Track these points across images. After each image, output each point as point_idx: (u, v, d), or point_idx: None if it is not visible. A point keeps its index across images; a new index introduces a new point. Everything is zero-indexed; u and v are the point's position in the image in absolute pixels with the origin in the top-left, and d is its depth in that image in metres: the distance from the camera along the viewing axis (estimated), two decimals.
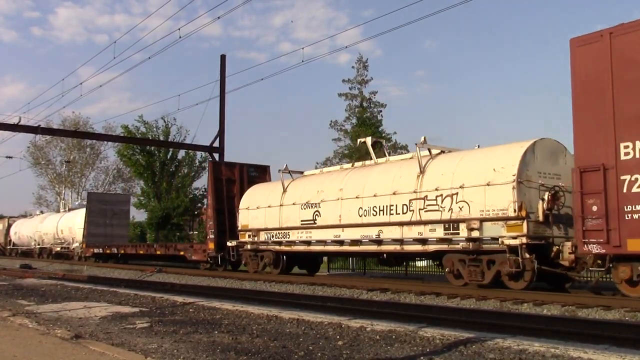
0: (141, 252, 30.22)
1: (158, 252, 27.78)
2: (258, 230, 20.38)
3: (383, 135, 54.73)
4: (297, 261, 20.98)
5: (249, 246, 20.87)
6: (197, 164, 51.02)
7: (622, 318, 9.51)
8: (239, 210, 21.62)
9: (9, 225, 52.62)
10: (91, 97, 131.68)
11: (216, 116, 33.56)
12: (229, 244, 21.73)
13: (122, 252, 31.63)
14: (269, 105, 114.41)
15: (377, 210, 15.76)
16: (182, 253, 25.24)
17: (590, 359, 5.66)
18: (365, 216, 16.14)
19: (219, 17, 56.21)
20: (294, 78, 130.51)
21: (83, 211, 36.94)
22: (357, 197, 16.45)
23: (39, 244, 43.62)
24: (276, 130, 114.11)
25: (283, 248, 19.38)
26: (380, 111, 56.04)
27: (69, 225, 38.90)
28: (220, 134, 33.30)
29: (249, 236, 20.85)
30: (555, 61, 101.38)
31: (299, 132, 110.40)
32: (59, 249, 40.20)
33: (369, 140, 19.04)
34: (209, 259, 23.04)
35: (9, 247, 52.05)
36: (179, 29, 24.28)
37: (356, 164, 19.06)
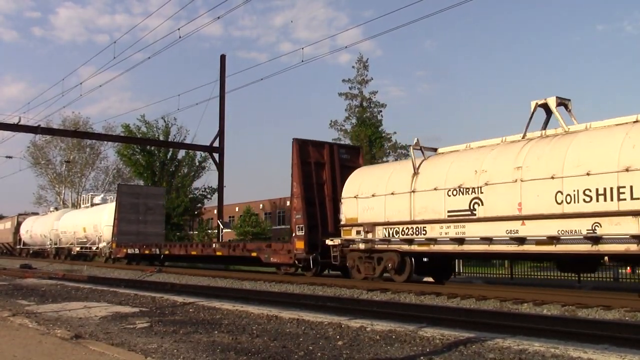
0: (193, 252, 24.78)
1: (218, 253, 22.79)
2: (373, 225, 16.04)
3: (383, 135, 54.80)
4: (424, 265, 16.39)
5: (360, 245, 16.29)
6: (197, 163, 51.09)
7: (622, 318, 9.51)
8: (342, 200, 17.31)
9: (19, 224, 48.28)
10: (92, 97, 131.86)
11: (216, 116, 33.61)
12: (329, 242, 17.33)
13: (167, 252, 26.40)
14: (269, 105, 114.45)
15: (593, 194, 11.52)
16: (254, 254, 20.41)
17: (590, 358, 5.66)
18: (569, 203, 11.88)
19: (218, 17, 56.16)
20: (295, 78, 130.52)
21: (110, 206, 33.04)
22: (552, 178, 12.18)
23: (55, 244, 39.83)
24: (276, 130, 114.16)
25: (415, 248, 15.02)
26: (380, 111, 56.03)
27: (93, 222, 34.68)
28: (220, 134, 33.35)
29: (359, 232, 16.45)
30: (556, 61, 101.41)
31: (299, 132, 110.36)
32: (78, 249, 36.60)
33: (552, 101, 13.76)
34: (295, 261, 18.44)
35: (18, 247, 48.07)
36: (178, 29, 24.34)
37: (535, 133, 13.84)
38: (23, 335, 7.43)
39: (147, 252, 27.37)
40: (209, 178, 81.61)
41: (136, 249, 28.01)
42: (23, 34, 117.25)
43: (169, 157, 50.77)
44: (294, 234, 18.54)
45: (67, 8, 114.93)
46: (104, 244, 32.71)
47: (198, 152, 47.89)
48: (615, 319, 9.39)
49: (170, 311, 10.20)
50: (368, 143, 53.01)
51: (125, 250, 28.84)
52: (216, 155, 33.63)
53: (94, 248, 34.93)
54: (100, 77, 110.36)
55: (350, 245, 16.72)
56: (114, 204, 32.70)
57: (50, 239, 40.41)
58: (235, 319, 8.92)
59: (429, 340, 6.80)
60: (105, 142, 53.55)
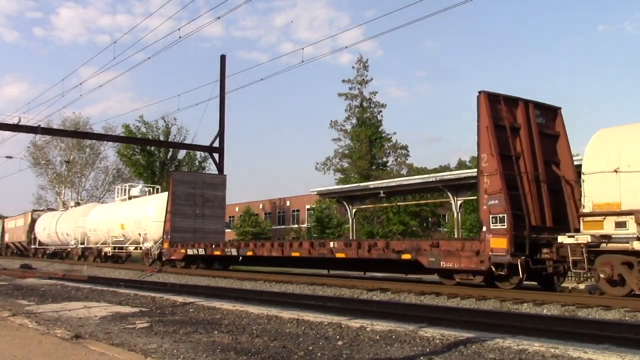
0: (295, 254, 18.06)
1: (340, 255, 16.58)
2: None
3: (383, 135, 54.83)
4: None
5: (635, 244, 10.77)
6: (197, 163, 51.15)
7: (622, 318, 9.51)
8: (585, 177, 12.01)
9: (33, 221, 42.86)
10: (93, 97, 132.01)
11: (216, 116, 33.60)
12: (566, 239, 11.87)
13: (250, 253, 20.13)
14: (269, 105, 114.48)
15: None
16: (407, 256, 14.60)
17: (590, 359, 5.66)
18: None
19: (219, 17, 56.20)
20: (295, 78, 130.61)
21: (158, 198, 28.30)
22: None
23: (81, 243, 34.61)
24: (276, 130, 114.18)
25: None
26: (380, 111, 56.09)
27: (135, 217, 28.91)
28: (220, 134, 33.32)
29: (621, 225, 11.28)
30: (556, 61, 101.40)
31: (299, 132, 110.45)
32: (112, 249, 31.64)
33: None
34: (491, 267, 12.75)
35: (33, 247, 42.42)
36: (179, 29, 24.32)
37: None
38: (23, 335, 7.43)
39: (217, 252, 21.72)
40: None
41: (199, 249, 22.49)
42: (24, 35, 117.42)
43: (169, 157, 50.85)
44: (484, 228, 13.06)
45: (68, 8, 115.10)
46: (151, 243, 27.11)
47: (198, 152, 47.95)
48: (615, 319, 9.39)
49: (170, 311, 10.20)
50: (368, 143, 53.05)
51: (183, 251, 23.43)
52: (216, 156, 33.59)
53: (131, 248, 30.21)
54: (101, 77, 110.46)
55: (605, 244, 11.37)
56: (162, 195, 28.16)
57: (75, 238, 35.29)
58: (235, 319, 8.92)
59: (429, 340, 6.80)
60: (105, 142, 53.60)
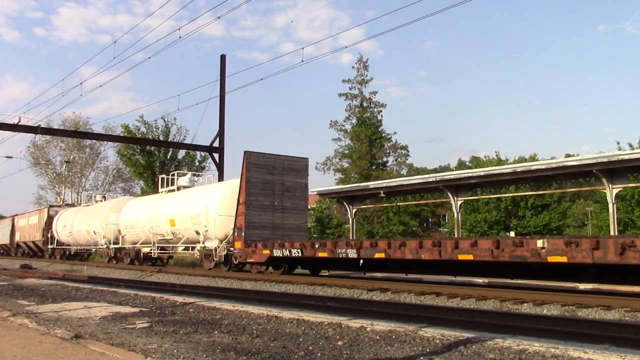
0: (465, 257, 12.82)
1: (554, 260, 11.26)
2: None
3: (383, 135, 54.85)
4: None
5: None
6: (197, 163, 51.15)
7: (622, 318, 9.51)
8: None
9: (50, 218, 38.46)
10: (93, 97, 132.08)
11: (216, 116, 33.65)
12: None
13: (381, 256, 14.80)
14: (269, 105, 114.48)
15: None
16: None
17: (590, 359, 5.66)
18: None
19: (219, 17, 56.20)
20: (296, 78, 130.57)
21: (223, 187, 23.14)
22: None
23: (114, 243, 29.62)
24: (276, 130, 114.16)
25: None
26: (380, 111, 56.11)
27: (192, 211, 23.27)
28: (220, 134, 33.37)
29: None
30: (556, 61, 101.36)
31: (300, 132, 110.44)
32: (154, 249, 26.37)
33: None
34: None
35: (50, 247, 37.76)
36: (179, 29, 24.33)
37: None
38: (23, 335, 7.43)
39: (321, 254, 16.67)
40: (209, 178, 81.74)
41: (292, 250, 17.51)
42: (25, 35, 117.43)
43: (169, 157, 50.85)
44: None
45: (69, 8, 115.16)
46: (215, 242, 21.94)
47: (198, 152, 47.96)
48: (616, 319, 9.39)
49: (170, 311, 10.20)
50: (368, 143, 53.06)
51: (266, 252, 18.67)
52: (216, 155, 33.64)
53: (181, 249, 25.79)
54: (101, 77, 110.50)
55: None
56: (228, 184, 23.27)
57: (105, 237, 30.45)
58: (235, 319, 8.92)
59: (429, 340, 6.80)
60: (105, 142, 53.60)
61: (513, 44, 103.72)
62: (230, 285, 17.49)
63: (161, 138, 49.66)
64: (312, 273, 20.33)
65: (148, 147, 48.80)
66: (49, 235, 37.72)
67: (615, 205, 20.46)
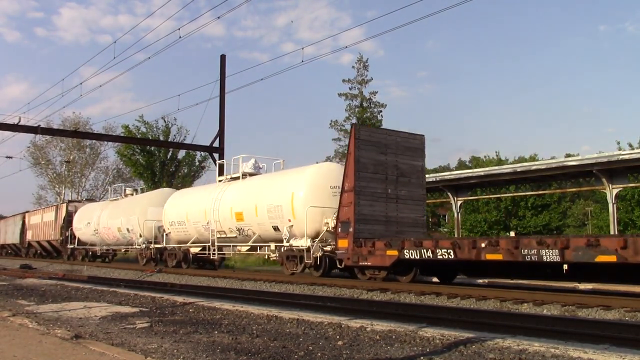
0: None
1: None
2: None
3: None
4: None
5: None
6: (197, 163, 51.20)
7: (622, 318, 9.51)
8: None
9: (69, 214, 34.97)
10: (94, 97, 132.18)
11: (216, 116, 33.67)
12: None
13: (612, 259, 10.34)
14: (270, 105, 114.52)
15: None
16: None
17: (590, 359, 5.66)
18: None
19: (219, 17, 56.21)
20: (296, 78, 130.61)
21: (313, 172, 18.50)
22: None
23: (151, 242, 25.90)
24: (276, 130, 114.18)
25: None
26: (380, 111, 56.17)
27: (270, 202, 19.00)
28: (220, 134, 33.39)
29: None
30: (557, 61, 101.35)
31: (300, 132, 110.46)
32: (213, 249, 21.93)
33: None
34: None
35: (70, 247, 34.32)
36: (179, 29, 24.34)
37: None
38: (23, 335, 7.43)
39: (491, 256, 12.37)
40: (209, 178, 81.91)
41: (441, 250, 13.28)
42: (26, 35, 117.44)
43: (169, 157, 50.88)
44: None
45: (70, 9, 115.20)
46: (305, 241, 17.39)
47: (198, 152, 47.99)
48: (615, 319, 9.39)
49: (170, 311, 10.20)
50: None
51: (392, 253, 14.43)
52: (216, 156, 33.66)
53: (244, 249, 21.57)
54: (101, 77, 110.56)
55: None
56: (318, 168, 18.93)
57: (142, 235, 26.59)
58: (235, 319, 8.92)
59: (429, 340, 6.80)
60: (105, 142, 53.62)
61: (513, 44, 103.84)
62: (230, 285, 17.49)
63: (161, 138, 49.69)
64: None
65: (148, 147, 48.83)
66: (68, 234, 34.45)
67: (615, 205, 20.44)
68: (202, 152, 45.54)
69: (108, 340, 7.09)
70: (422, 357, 5.93)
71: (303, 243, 17.63)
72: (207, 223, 22.06)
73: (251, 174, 22.25)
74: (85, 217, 32.62)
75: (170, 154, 51.03)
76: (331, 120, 53.05)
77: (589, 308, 10.21)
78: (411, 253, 14.13)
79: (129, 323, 8.59)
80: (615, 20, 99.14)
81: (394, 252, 14.51)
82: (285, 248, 18.73)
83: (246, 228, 20.38)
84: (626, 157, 18.81)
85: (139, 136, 48.57)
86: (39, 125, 32.82)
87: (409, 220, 16.80)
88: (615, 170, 19.53)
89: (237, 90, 72.20)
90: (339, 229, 16.00)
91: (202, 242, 22.97)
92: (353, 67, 53.77)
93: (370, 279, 15.65)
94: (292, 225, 18.23)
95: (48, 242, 38.16)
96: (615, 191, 20.16)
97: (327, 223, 17.33)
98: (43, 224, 39.06)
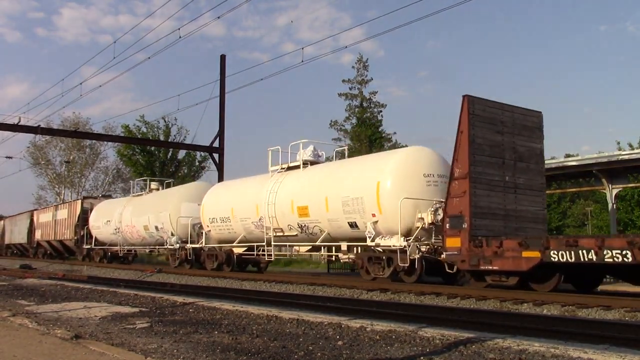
0: None
1: None
2: None
3: (383, 135, 54.88)
4: None
5: None
6: (197, 163, 51.21)
7: (622, 318, 9.51)
8: None
9: (85, 211, 32.43)
10: (94, 98, 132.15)
11: (216, 116, 33.69)
12: None
13: None
14: (270, 105, 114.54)
15: None
16: None
17: (590, 359, 5.65)
18: None
19: (219, 17, 56.18)
20: (297, 78, 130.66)
21: (401, 156, 15.85)
22: None
23: (190, 241, 23.32)
24: (276, 130, 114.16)
25: None
26: (380, 111, 56.12)
27: (352, 192, 15.98)
28: (220, 134, 33.42)
29: None
30: (557, 61, 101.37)
31: (300, 132, 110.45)
32: (268, 249, 19.10)
33: None
34: None
35: (86, 247, 31.89)
36: (179, 29, 24.35)
37: None
38: (23, 335, 7.43)
39: None
40: (209, 178, 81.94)
41: (611, 252, 10.55)
42: (26, 35, 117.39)
43: (169, 157, 50.89)
44: None
45: (71, 9, 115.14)
46: (397, 239, 14.53)
47: (198, 152, 48.01)
48: (615, 319, 9.39)
49: (170, 311, 10.20)
50: (368, 143, 53.09)
51: (532, 254, 11.74)
52: (216, 156, 33.67)
53: (304, 250, 19.00)
54: (101, 77, 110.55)
55: None
56: (407, 152, 16.14)
57: (176, 234, 23.92)
58: (235, 319, 8.92)
59: (429, 340, 6.80)
60: (105, 142, 53.62)
61: (514, 43, 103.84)
62: (230, 285, 17.49)
63: (161, 138, 49.72)
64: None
65: (148, 147, 48.85)
66: (84, 233, 31.82)
67: (615, 205, 20.19)
68: (202, 152, 45.54)
69: (108, 340, 7.09)
70: (422, 357, 5.93)
71: (395, 242, 14.63)
72: (260, 219, 19.29)
73: (312, 162, 19.43)
74: (104, 214, 30.07)
75: (170, 154, 51.05)
76: (331, 120, 53.05)
77: (589, 308, 10.21)
78: (561, 255, 11.29)
79: (129, 323, 8.59)
80: (616, 20, 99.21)
81: (534, 254, 11.64)
82: (365, 248, 16.20)
83: (311, 225, 17.49)
84: (626, 157, 18.76)
85: (139, 136, 48.59)
86: (39, 126, 32.82)
87: (529, 214, 14.13)
88: (615, 170, 19.24)
89: (237, 90, 72.16)
90: (447, 225, 13.29)
91: (251, 242, 20.28)
92: (353, 67, 53.70)
93: (489, 286, 13.07)
94: (376, 221, 15.29)
95: (60, 241, 35.62)
96: (615, 191, 19.82)
97: (422, 218, 14.60)
98: (54, 223, 36.40)
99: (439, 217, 14.21)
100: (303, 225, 17.82)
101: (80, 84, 39.18)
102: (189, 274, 21.24)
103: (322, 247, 18.00)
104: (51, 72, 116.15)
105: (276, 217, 18.73)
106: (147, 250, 28.45)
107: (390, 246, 14.84)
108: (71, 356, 6.06)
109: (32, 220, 41.28)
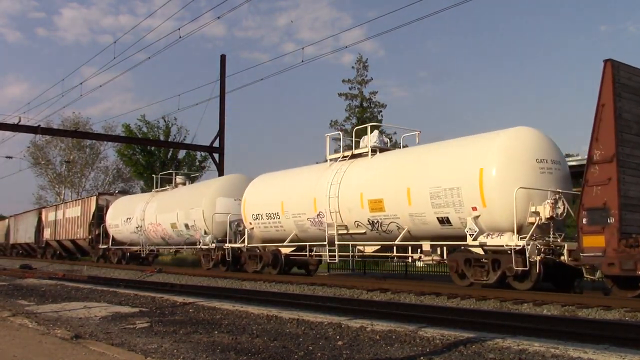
0: None
1: None
2: None
3: (383, 135, 54.90)
4: None
5: None
6: (197, 163, 51.18)
7: (622, 318, 9.51)
8: None
9: (100, 209, 30.21)
10: (94, 98, 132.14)
11: (216, 116, 33.69)
12: None
13: None
14: (270, 105, 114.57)
15: None
16: None
17: (590, 359, 5.65)
18: None
19: (219, 17, 56.20)
20: (297, 78, 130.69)
21: (505, 137, 13.18)
22: None
23: (227, 240, 20.86)
24: (276, 130, 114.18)
25: None
26: (381, 111, 56.11)
27: (446, 181, 13.48)
28: (220, 134, 33.42)
29: None
30: (557, 61, 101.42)
31: (300, 132, 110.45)
32: (331, 249, 16.61)
33: None
34: None
35: (102, 247, 29.66)
36: (179, 29, 24.36)
37: None
38: (23, 335, 7.43)
39: None
40: (209, 178, 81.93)
41: None
42: (27, 35, 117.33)
43: (169, 157, 50.86)
44: None
45: (72, 9, 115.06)
46: (512, 238, 12.14)
47: (198, 152, 47.99)
48: (615, 319, 9.39)
49: (170, 311, 10.20)
50: None
51: None
52: (216, 156, 33.67)
53: (370, 250, 16.73)
54: (101, 77, 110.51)
55: None
56: (511, 133, 13.26)
57: (208, 232, 21.58)
58: (235, 319, 8.92)
59: (429, 340, 6.80)
60: (106, 142, 53.59)
61: (514, 44, 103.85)
62: (230, 285, 17.50)
63: (162, 138, 49.72)
64: None
65: (148, 147, 48.85)
66: (99, 232, 29.63)
67: None
68: (202, 152, 45.54)
69: (108, 340, 7.09)
70: (422, 357, 5.93)
71: (508, 241, 12.21)
72: (318, 215, 16.87)
73: (381, 150, 17.02)
74: (123, 211, 27.47)
75: (170, 154, 51.03)
76: (331, 120, 52.80)
77: (589, 308, 10.21)
78: None
79: (129, 323, 8.59)
80: (616, 20, 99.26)
81: None
82: (454, 248, 14.05)
83: (386, 221, 15.03)
84: None
85: (139, 136, 48.59)
86: (39, 125, 32.82)
87: None
88: None
89: (238, 89, 72.13)
90: (584, 220, 11.03)
91: (304, 241, 17.93)
92: (353, 67, 53.60)
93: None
94: (478, 216, 12.88)
95: (72, 241, 33.02)
96: None
97: (536, 212, 12.34)
98: (65, 221, 33.97)
99: (559, 211, 12.27)
100: (375, 221, 15.33)
101: (81, 84, 39.27)
102: (189, 274, 21.24)
103: (395, 248, 15.63)
104: (51, 72, 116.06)
105: (339, 212, 16.16)
106: (172, 250, 26.11)
107: (502, 246, 12.32)
108: (71, 356, 6.06)
109: (40, 219, 39.16)
